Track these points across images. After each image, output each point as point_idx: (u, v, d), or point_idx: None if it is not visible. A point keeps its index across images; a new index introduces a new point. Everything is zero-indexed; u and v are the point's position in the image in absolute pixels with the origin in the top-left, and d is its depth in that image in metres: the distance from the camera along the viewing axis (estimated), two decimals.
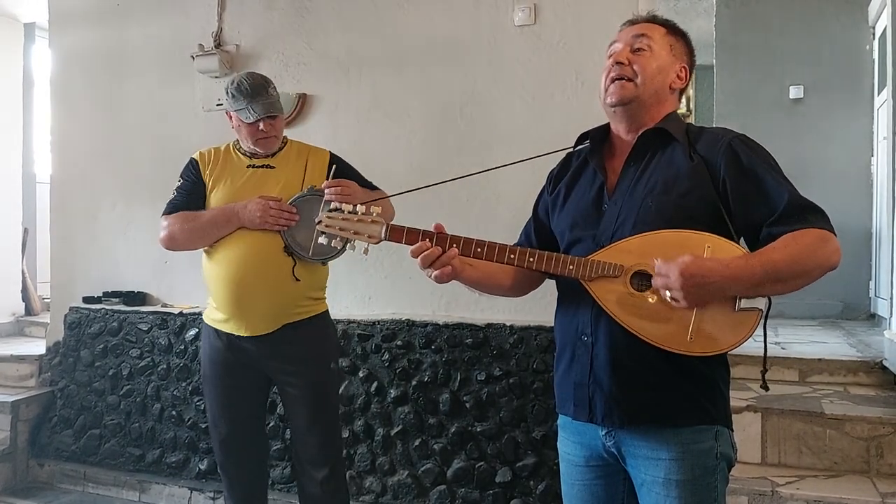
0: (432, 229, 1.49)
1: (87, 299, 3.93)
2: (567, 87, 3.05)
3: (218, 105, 3.70)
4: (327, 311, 2.55)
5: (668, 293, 1.33)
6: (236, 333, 2.39)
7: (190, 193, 2.44)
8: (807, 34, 5.23)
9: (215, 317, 2.44)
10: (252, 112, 2.33)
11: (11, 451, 3.83)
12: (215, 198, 2.42)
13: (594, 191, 1.53)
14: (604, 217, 1.48)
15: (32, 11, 4.78)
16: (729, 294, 1.33)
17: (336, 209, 1.52)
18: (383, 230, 1.50)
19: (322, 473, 2.43)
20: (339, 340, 3.22)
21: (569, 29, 3.05)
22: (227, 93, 2.40)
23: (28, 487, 3.82)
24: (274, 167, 2.44)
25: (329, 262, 2.47)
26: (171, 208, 2.44)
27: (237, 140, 2.50)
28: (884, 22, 4.49)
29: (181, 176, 2.49)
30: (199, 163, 2.47)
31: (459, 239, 1.47)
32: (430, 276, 1.49)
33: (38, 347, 4.24)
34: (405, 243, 1.49)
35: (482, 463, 3.05)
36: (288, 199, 2.35)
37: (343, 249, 2.30)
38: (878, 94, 4.80)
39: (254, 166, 2.44)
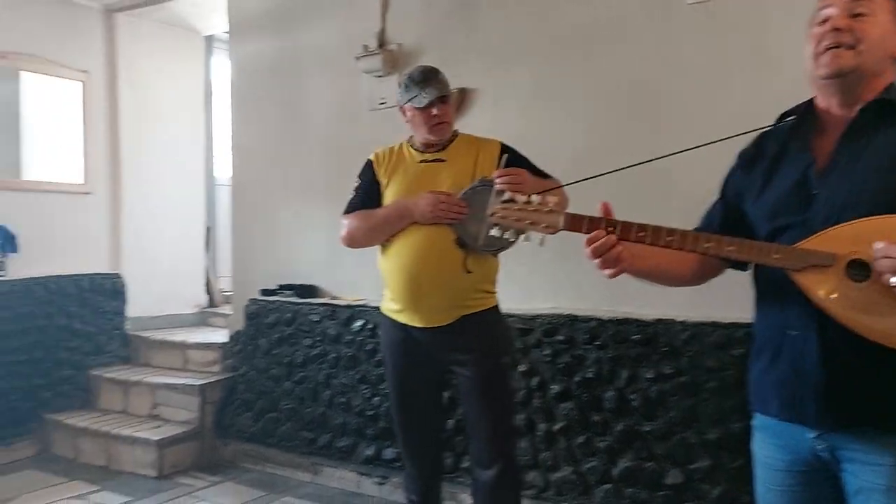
0: (599, 213, 1.42)
1: (264, 291, 4.18)
2: (745, 68, 2.85)
3: (381, 104, 3.82)
4: (498, 305, 2.55)
5: (894, 279, 1.18)
6: (409, 324, 2.45)
7: (366, 193, 2.54)
8: None
9: (391, 307, 2.52)
10: (425, 96, 2.39)
11: (199, 430, 4.16)
12: (389, 194, 2.49)
13: (800, 174, 1.39)
14: (815, 200, 1.35)
15: (212, 25, 5.16)
16: None
17: (509, 200, 1.48)
18: (561, 220, 1.43)
19: (490, 470, 2.43)
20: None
21: (747, 5, 2.86)
22: (400, 86, 2.48)
23: (214, 464, 4.13)
24: (445, 161, 2.47)
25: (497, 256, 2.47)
26: (350, 208, 2.55)
27: (410, 137, 2.56)
28: None
29: (358, 176, 2.59)
30: (374, 163, 2.56)
31: (646, 227, 1.38)
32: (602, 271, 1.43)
33: (220, 336, 4.58)
34: (586, 233, 1.43)
35: (651, 463, 2.93)
36: (458, 192, 2.37)
37: (514, 240, 2.30)
38: None
39: (426, 161, 2.49)
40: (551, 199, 1.47)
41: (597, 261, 1.41)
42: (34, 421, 4.33)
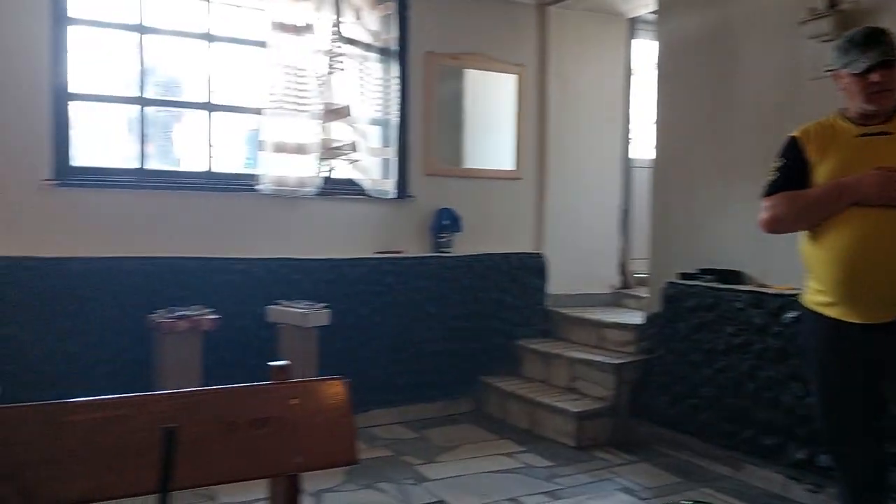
0: None
1: (683, 275, 4.08)
2: None
3: (826, 71, 3.41)
4: None
5: None
6: (844, 319, 2.20)
7: (792, 173, 2.32)
8: None
9: (818, 300, 2.29)
10: (864, 61, 2.11)
11: (614, 408, 4.26)
12: (821, 173, 2.25)
13: None
14: None
15: (638, 6, 5.18)
16: None
17: None
18: None
19: None
20: None
21: None
22: (837, 49, 2.23)
23: (628, 443, 4.19)
24: (890, 133, 2.16)
25: None
26: (772, 189, 2.36)
27: (842, 109, 2.29)
28: None
29: (782, 155, 2.38)
30: (801, 140, 2.33)
31: None
32: None
33: (634, 317, 4.62)
34: None
35: None
36: None
37: None
38: None
39: (866, 135, 2.20)
40: None
41: None
42: (472, 381, 4.90)
